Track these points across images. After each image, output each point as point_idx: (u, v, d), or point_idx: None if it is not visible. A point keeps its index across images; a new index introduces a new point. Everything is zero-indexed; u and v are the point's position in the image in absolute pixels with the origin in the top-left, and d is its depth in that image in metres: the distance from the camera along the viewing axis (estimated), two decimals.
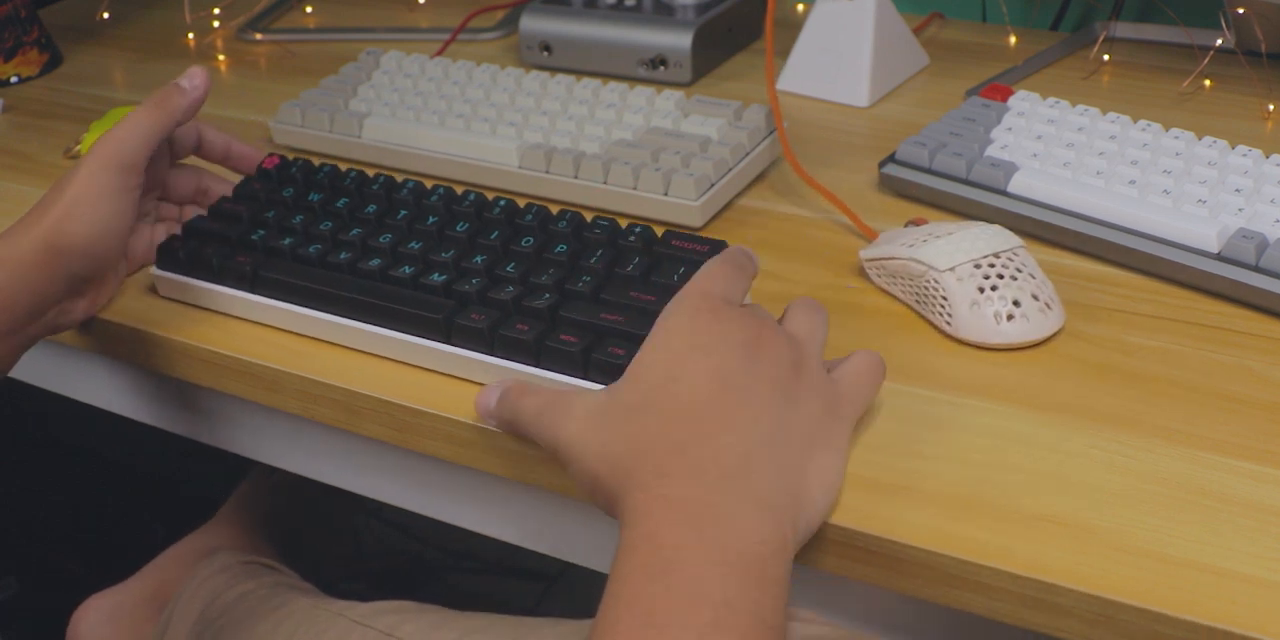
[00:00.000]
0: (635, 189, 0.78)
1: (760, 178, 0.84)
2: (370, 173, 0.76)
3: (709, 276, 0.58)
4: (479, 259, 0.67)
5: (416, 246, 0.68)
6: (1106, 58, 0.98)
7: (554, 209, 0.70)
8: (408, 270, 0.67)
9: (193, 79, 0.73)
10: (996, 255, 0.66)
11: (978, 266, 0.66)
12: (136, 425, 0.87)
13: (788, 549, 0.51)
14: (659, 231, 0.67)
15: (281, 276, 0.69)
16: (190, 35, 1.14)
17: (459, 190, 0.72)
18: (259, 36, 1.12)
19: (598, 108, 0.85)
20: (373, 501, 0.79)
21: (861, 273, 0.72)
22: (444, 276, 0.66)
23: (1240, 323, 0.66)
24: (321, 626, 0.76)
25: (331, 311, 0.68)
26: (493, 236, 0.68)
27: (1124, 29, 1.00)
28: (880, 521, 0.54)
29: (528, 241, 0.67)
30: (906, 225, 0.74)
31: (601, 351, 0.61)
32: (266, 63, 1.08)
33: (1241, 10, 0.87)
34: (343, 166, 0.76)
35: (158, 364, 0.73)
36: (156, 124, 0.70)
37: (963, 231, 0.68)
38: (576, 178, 0.80)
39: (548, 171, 0.81)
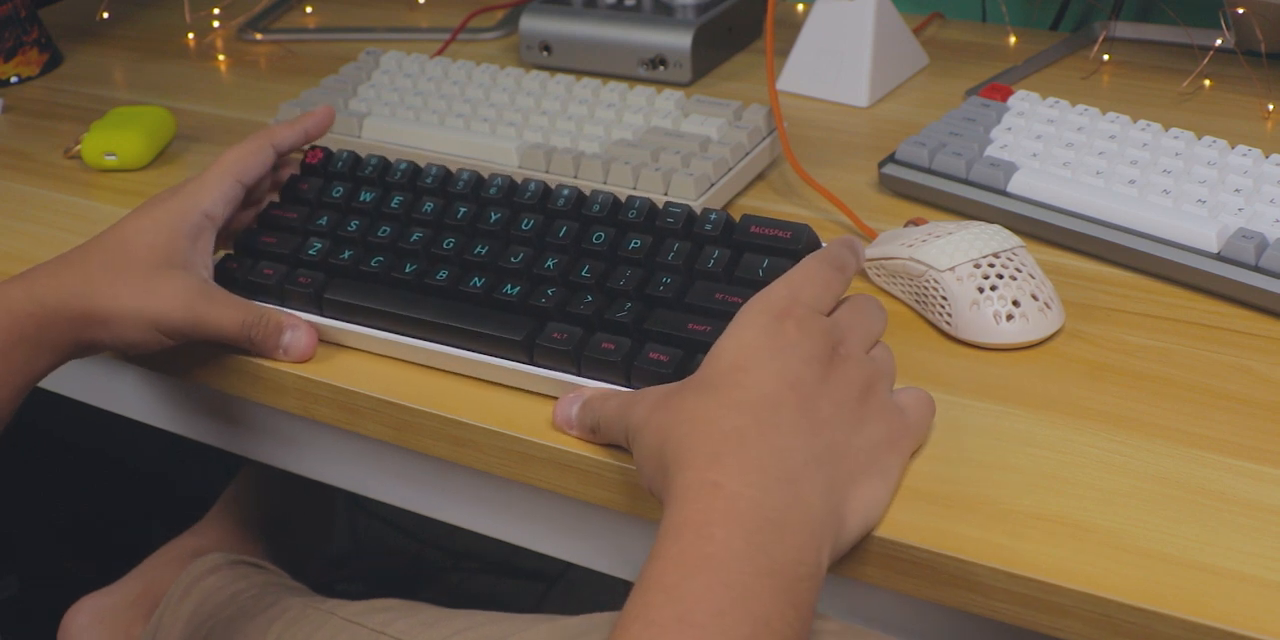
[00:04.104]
0: (635, 189, 0.78)
1: (760, 178, 0.84)
2: (421, 162, 0.72)
3: (802, 279, 0.56)
4: (551, 264, 0.64)
5: (483, 251, 0.66)
6: (1106, 58, 0.98)
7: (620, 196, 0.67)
8: (478, 283, 0.65)
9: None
10: (996, 255, 0.66)
11: (977, 266, 0.66)
12: (138, 425, 0.87)
13: (818, 576, 0.49)
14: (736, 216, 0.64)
15: (346, 298, 0.67)
16: (190, 35, 1.14)
17: (519, 179, 0.69)
18: (259, 36, 1.12)
19: (598, 107, 0.85)
20: (372, 501, 0.79)
21: (861, 273, 0.72)
22: (518, 289, 0.64)
23: (1240, 323, 0.66)
24: (313, 625, 0.76)
25: (403, 333, 0.66)
26: (562, 234, 0.65)
27: (1124, 29, 1.00)
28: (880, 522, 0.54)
29: (599, 238, 0.64)
30: (906, 225, 0.74)
31: (694, 365, 0.58)
32: (266, 63, 1.08)
33: (1241, 10, 0.87)
34: (391, 157, 0.73)
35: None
36: None
37: (962, 231, 0.68)
38: (576, 177, 0.80)
39: (548, 171, 0.81)
